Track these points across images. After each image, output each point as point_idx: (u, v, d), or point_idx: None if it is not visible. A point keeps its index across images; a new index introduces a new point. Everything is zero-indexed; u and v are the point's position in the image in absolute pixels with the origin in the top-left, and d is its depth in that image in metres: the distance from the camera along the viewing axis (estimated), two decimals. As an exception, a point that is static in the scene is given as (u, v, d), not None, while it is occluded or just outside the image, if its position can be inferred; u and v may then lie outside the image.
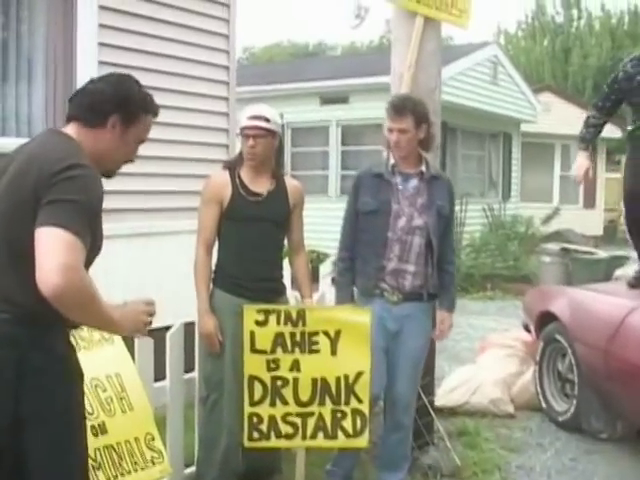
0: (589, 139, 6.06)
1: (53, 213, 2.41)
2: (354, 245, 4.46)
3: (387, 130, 4.39)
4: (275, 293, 4.27)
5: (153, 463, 3.55)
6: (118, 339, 3.61)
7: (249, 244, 4.17)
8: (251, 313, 3.82)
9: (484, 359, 7.08)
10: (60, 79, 5.98)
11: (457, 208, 9.38)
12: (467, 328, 9.79)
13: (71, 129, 2.72)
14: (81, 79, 5.93)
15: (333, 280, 7.13)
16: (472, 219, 15.38)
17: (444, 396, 6.26)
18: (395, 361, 4.42)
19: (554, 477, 5.09)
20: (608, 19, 29.89)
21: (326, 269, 7.24)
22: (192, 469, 4.40)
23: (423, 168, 4.45)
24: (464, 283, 13.15)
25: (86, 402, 2.93)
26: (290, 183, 4.40)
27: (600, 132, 6.08)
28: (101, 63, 5.96)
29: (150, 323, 2.72)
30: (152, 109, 2.88)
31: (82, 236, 2.40)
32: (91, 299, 2.41)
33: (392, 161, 4.44)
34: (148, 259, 6.31)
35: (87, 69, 5.87)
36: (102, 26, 6.06)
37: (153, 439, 3.59)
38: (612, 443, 5.64)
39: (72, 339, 2.74)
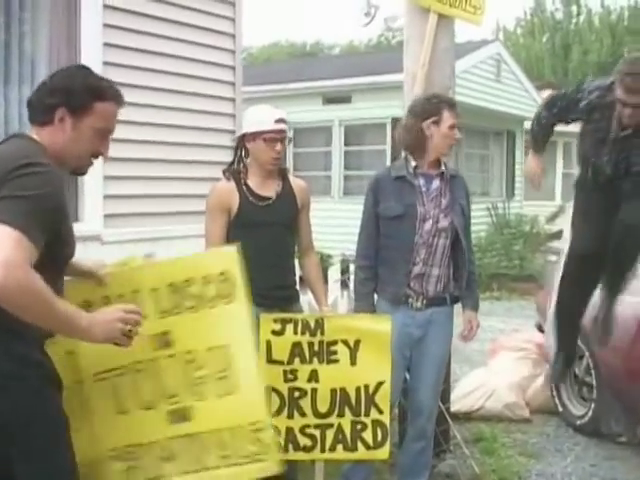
0: (540, 139, 4.93)
1: (0, 210, 2.31)
2: (376, 252, 4.33)
3: (449, 127, 4.25)
4: (289, 301, 4.13)
5: (252, 459, 2.86)
6: (241, 298, 2.94)
7: (261, 250, 3.97)
8: (268, 322, 3.69)
9: (496, 362, 6.97)
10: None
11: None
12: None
13: (33, 132, 2.66)
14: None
15: (343, 284, 7.05)
16: (477, 218, 15.17)
17: (458, 401, 6.14)
18: (419, 368, 4.32)
19: (575, 484, 4.98)
20: (608, 15, 29.81)
21: (335, 274, 7.14)
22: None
23: (443, 168, 4.34)
24: (478, 292, 13.05)
25: (168, 382, 2.81)
26: (296, 183, 4.27)
27: (549, 134, 4.91)
28: (105, 64, 5.82)
29: (130, 332, 2.56)
30: (110, 95, 2.69)
31: (30, 233, 2.30)
32: (38, 299, 2.29)
33: (413, 163, 4.30)
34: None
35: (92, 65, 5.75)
36: (107, 26, 5.93)
37: (261, 430, 2.86)
38: (632, 448, 5.53)
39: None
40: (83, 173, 2.79)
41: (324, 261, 13.28)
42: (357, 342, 3.76)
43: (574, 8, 30.70)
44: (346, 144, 15.62)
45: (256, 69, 19.61)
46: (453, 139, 4.31)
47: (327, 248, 11.80)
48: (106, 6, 5.92)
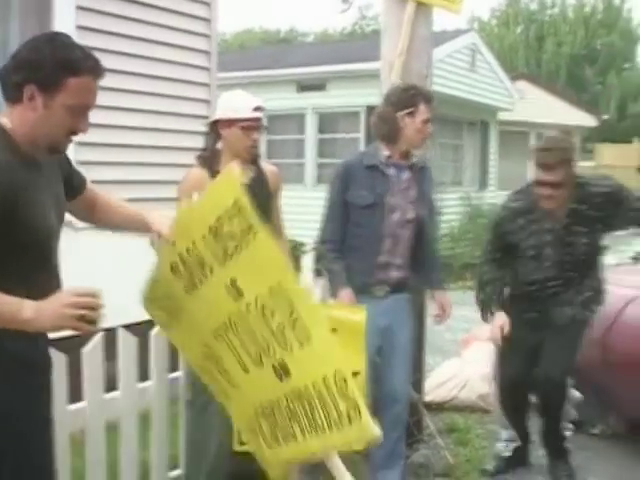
0: (489, 302, 4.76)
1: None
2: (342, 240, 4.29)
3: (423, 121, 4.20)
4: None
5: (349, 419, 2.33)
6: (260, 226, 2.37)
7: None
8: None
9: (470, 352, 6.95)
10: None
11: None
12: (448, 319, 9.63)
13: (5, 111, 2.45)
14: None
15: (317, 272, 6.99)
16: (450, 208, 15.28)
17: (432, 391, 6.13)
18: (389, 357, 4.31)
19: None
20: (582, 8, 29.98)
21: (309, 262, 7.07)
22: (177, 472, 4.22)
23: (414, 159, 4.31)
24: (442, 273, 13.05)
25: (259, 334, 2.46)
26: (268, 168, 4.18)
27: (501, 288, 4.80)
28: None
29: (84, 317, 2.30)
30: (85, 69, 2.41)
31: None
32: None
33: (386, 152, 4.25)
34: (126, 253, 6.09)
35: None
36: (80, 8, 5.83)
37: (345, 380, 2.33)
38: (605, 439, 5.54)
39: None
40: (60, 152, 2.59)
41: (297, 249, 13.22)
42: (332, 332, 3.70)
43: (548, 0, 30.83)
44: (320, 132, 15.59)
45: (230, 55, 19.48)
46: (426, 133, 4.25)
47: (300, 236, 11.73)
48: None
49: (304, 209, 13.61)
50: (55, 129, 2.44)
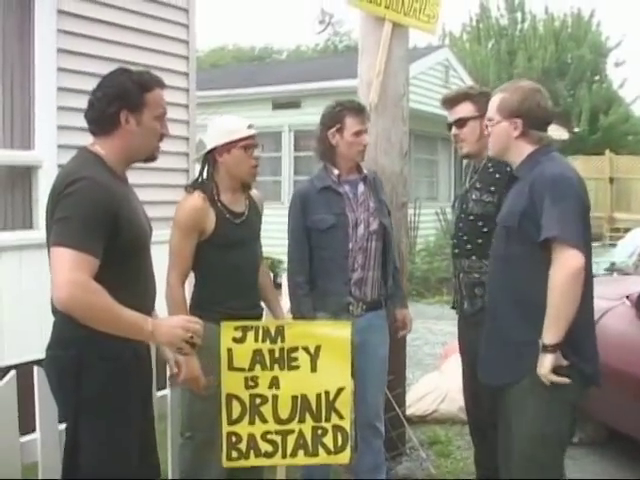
0: None
1: (55, 233, 2.70)
2: (310, 266, 4.34)
3: (353, 134, 4.28)
4: (260, 318, 4.12)
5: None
6: None
7: (242, 269, 3.94)
8: (229, 330, 3.69)
9: (449, 365, 7.03)
10: (17, 87, 5.80)
11: (410, 212, 9.38)
12: (427, 333, 9.76)
13: (97, 144, 2.97)
14: (40, 86, 5.78)
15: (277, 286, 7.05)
16: (425, 223, 15.45)
17: (413, 405, 6.21)
18: (364, 373, 4.36)
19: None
20: (552, 22, 30.27)
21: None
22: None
23: (365, 171, 4.43)
24: (420, 287, 13.16)
25: None
26: (254, 193, 4.18)
27: None
28: (60, 69, 5.81)
29: (191, 340, 2.86)
30: (153, 83, 3.01)
31: (84, 247, 2.64)
32: (101, 309, 2.64)
33: (336, 171, 4.34)
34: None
35: (46, 76, 5.74)
36: (60, 31, 5.89)
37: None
38: (583, 448, 5.64)
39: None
40: (155, 157, 3.13)
41: (275, 267, 13.31)
42: (317, 348, 3.77)
43: (519, 14, 31.13)
44: (296, 149, 15.70)
45: (204, 74, 19.49)
46: (361, 145, 4.31)
47: (277, 254, 11.82)
48: (60, 11, 5.88)
49: (281, 226, 13.69)
50: (150, 139, 3.03)
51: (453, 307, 4.54)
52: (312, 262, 4.34)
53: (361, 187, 4.39)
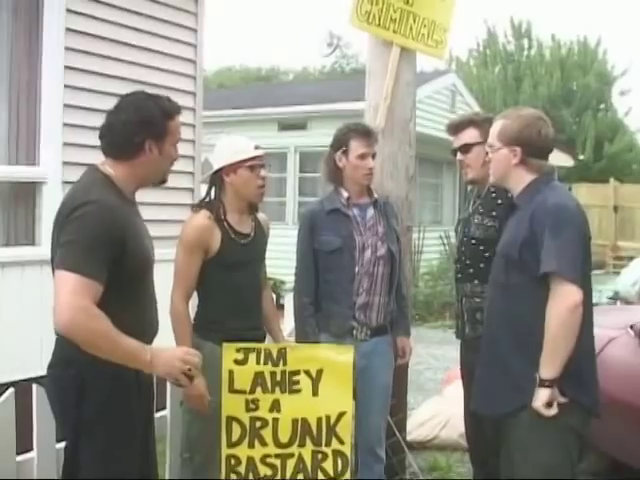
0: None
1: (60, 256, 2.69)
2: (316, 288, 4.34)
3: (358, 157, 4.29)
4: (262, 341, 4.10)
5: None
6: None
7: (242, 291, 3.92)
8: (230, 352, 3.67)
9: (451, 391, 6.98)
10: (24, 102, 5.81)
11: (415, 236, 9.35)
12: (429, 358, 9.72)
13: (108, 164, 2.95)
14: (46, 102, 5.79)
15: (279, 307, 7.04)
16: (429, 247, 15.41)
17: (414, 430, 6.16)
18: (366, 398, 4.32)
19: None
20: (558, 49, 30.40)
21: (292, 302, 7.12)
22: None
23: (376, 195, 4.41)
24: (422, 312, 13.13)
25: None
26: (260, 216, 4.18)
27: None
28: (67, 87, 5.81)
29: (188, 372, 2.87)
30: (174, 111, 3.01)
31: (88, 272, 2.64)
32: (101, 335, 2.65)
33: (345, 194, 4.34)
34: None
35: (53, 92, 5.76)
36: (68, 49, 5.92)
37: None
38: (586, 477, 5.56)
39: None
40: (165, 181, 3.16)
41: (277, 288, 13.29)
42: (319, 372, 3.75)
43: (525, 41, 31.28)
44: (301, 171, 15.73)
45: (211, 94, 19.58)
46: (366, 169, 4.30)
47: (280, 275, 11.79)
48: (68, 29, 5.91)
49: (285, 247, 13.67)
50: (165, 165, 3.07)
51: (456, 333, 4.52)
52: (318, 284, 4.33)
53: (370, 211, 4.38)
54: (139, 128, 2.90)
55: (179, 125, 3.05)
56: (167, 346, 2.85)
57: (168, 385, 4.06)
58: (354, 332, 4.29)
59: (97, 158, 3.05)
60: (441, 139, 16.16)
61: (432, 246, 15.68)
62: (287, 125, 15.54)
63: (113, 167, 2.95)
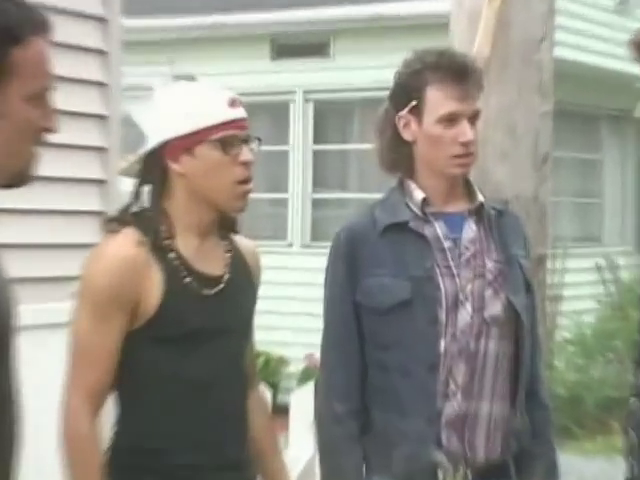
0: None
1: None
2: (360, 383, 4.25)
3: (439, 120, 4.12)
4: None
5: None
6: None
7: (209, 389, 3.85)
8: None
9: None
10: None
11: (547, 266, 9.25)
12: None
13: None
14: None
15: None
16: (576, 286, 15.34)
17: None
18: None
19: None
20: None
21: (301, 400, 7.13)
22: None
23: (480, 197, 4.22)
24: (564, 419, 13.09)
25: None
26: (243, 245, 4.06)
27: None
28: None
29: None
30: (32, 29, 2.73)
31: None
32: None
33: (420, 195, 4.20)
34: None
35: None
36: None
37: None
38: None
39: None
40: (26, 182, 2.83)
41: (273, 372, 13.35)
42: None
43: None
44: (317, 140, 15.66)
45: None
46: (455, 143, 4.08)
47: (278, 344, 11.92)
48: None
49: (287, 291, 13.80)
50: (18, 133, 2.77)
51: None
52: (365, 375, 4.25)
53: (470, 229, 4.25)
54: None
55: (44, 58, 2.79)
56: None
57: None
58: (440, 475, 4.22)
59: None
60: (600, 70, 16.28)
61: (581, 285, 15.67)
62: (290, 48, 15.59)
63: None
